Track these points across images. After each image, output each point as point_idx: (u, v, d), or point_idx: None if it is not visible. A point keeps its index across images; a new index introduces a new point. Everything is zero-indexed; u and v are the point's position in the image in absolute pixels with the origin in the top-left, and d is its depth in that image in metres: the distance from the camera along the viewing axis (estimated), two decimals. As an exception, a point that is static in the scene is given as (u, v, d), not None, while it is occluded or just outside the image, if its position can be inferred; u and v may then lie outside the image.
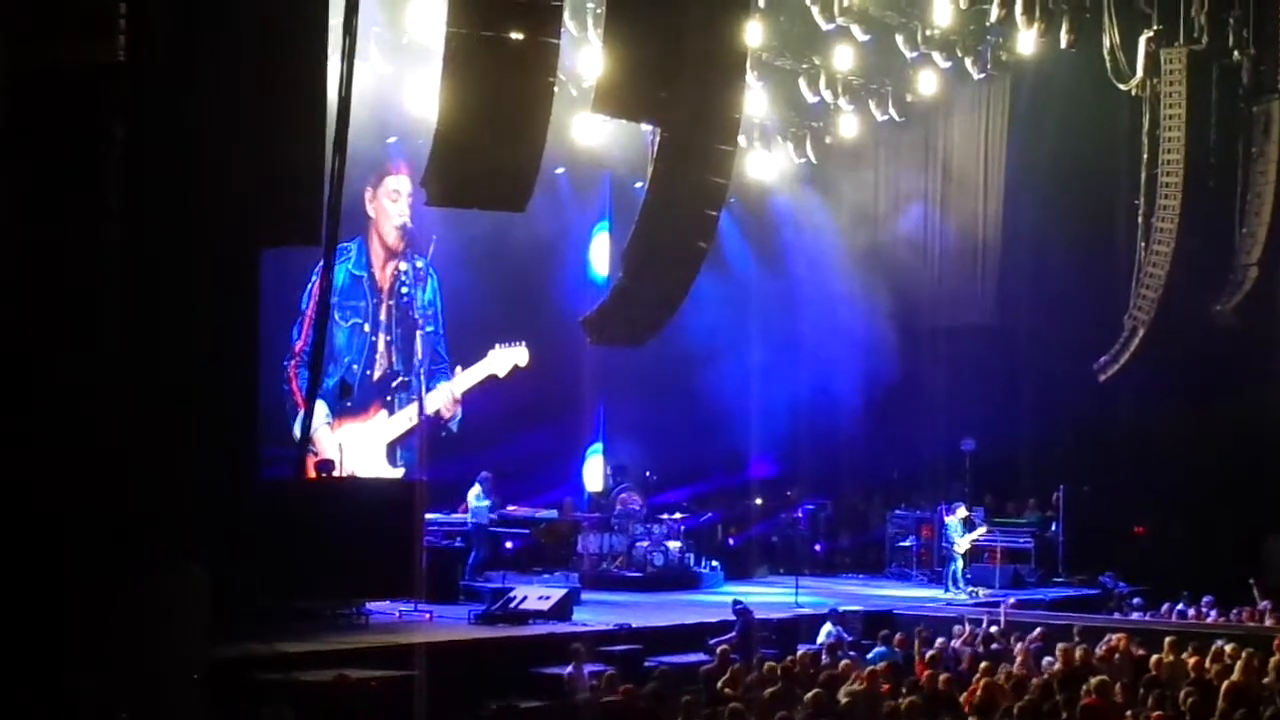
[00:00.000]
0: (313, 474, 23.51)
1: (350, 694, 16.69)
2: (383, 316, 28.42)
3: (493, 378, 29.22)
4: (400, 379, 28.05)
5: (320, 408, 26.46)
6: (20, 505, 13.06)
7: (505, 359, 29.16)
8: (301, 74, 15.36)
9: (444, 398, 29.04)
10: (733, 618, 22.60)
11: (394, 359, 28.34)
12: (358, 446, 27.30)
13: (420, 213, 26.36)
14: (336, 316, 27.45)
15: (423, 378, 27.18)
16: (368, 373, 28.24)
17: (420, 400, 26.63)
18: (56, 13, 13.73)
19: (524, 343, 29.24)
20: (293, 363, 26.51)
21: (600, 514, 30.08)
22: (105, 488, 13.69)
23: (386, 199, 28.11)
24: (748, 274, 34.19)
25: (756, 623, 22.53)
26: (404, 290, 27.92)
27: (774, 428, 33.51)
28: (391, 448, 28.36)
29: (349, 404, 26.99)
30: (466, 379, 29.29)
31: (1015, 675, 17.86)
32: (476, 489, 26.56)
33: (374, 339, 28.37)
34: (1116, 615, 26.65)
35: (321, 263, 17.82)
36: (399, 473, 28.01)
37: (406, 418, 27.81)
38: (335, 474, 23.82)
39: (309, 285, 25.71)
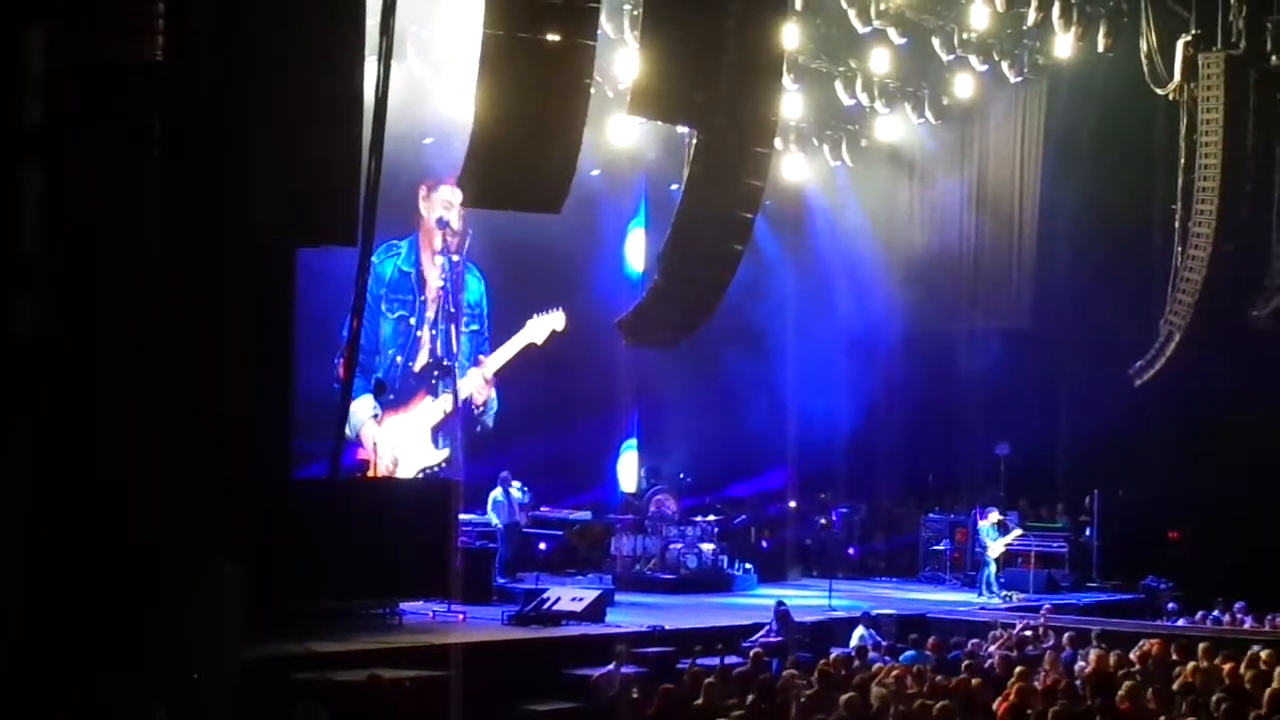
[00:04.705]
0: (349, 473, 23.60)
1: (384, 694, 16.73)
2: (429, 313, 28.54)
3: (531, 346, 29.28)
4: (444, 362, 28.08)
5: (368, 402, 26.55)
6: (54, 505, 13.12)
7: (543, 325, 29.27)
8: (338, 75, 15.41)
9: (476, 380, 29.13)
10: (765, 620, 22.60)
11: (438, 350, 28.38)
12: (404, 435, 27.69)
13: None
14: (384, 308, 27.89)
15: (456, 373, 27.27)
16: (410, 364, 28.40)
17: (455, 394, 26.69)
18: (95, 12, 13.79)
19: (560, 307, 29.30)
20: (344, 359, 26.53)
21: (634, 516, 30.08)
22: (139, 486, 13.76)
23: (433, 199, 28.24)
24: (783, 277, 34.19)
25: (795, 625, 22.55)
26: (441, 285, 28.02)
27: (809, 430, 33.49)
28: (434, 431, 28.46)
29: (390, 398, 27.01)
30: (502, 354, 29.35)
31: (1047, 679, 17.84)
32: (496, 493, 26.69)
33: (419, 333, 28.54)
34: (1158, 621, 26.57)
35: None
36: (443, 454, 28.10)
37: (448, 402, 27.87)
38: (370, 474, 23.87)
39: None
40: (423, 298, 28.52)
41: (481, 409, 29.55)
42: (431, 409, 28.31)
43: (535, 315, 29.47)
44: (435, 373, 28.34)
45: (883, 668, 18.59)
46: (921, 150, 34.55)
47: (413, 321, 28.43)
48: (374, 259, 25.82)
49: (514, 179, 18.81)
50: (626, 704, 17.50)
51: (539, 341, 29.35)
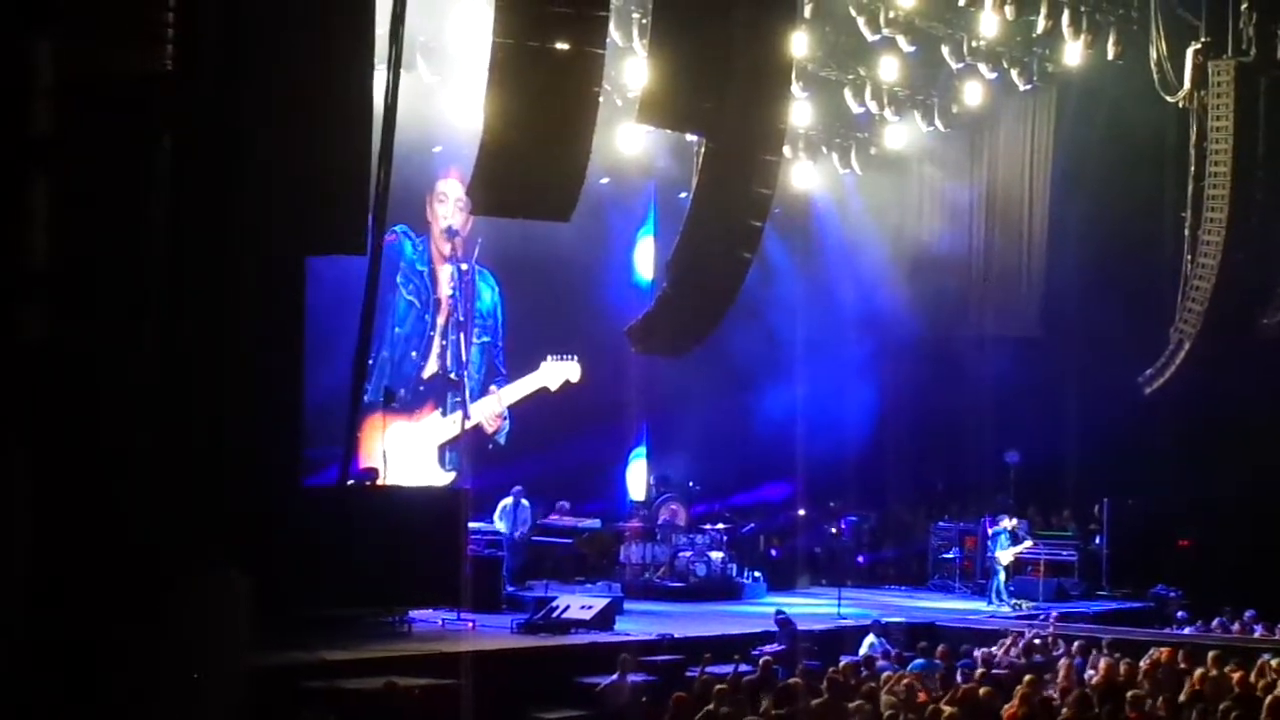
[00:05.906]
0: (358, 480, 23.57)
1: (394, 702, 16.72)
2: (440, 319, 28.55)
3: (543, 390, 29.34)
4: (451, 375, 28.08)
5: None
6: (60, 509, 13.12)
7: (557, 373, 29.30)
8: (347, 84, 15.39)
9: (489, 410, 29.14)
10: (774, 628, 22.60)
11: (448, 361, 28.39)
12: (409, 447, 27.47)
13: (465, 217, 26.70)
14: (399, 280, 27.77)
15: (466, 385, 27.28)
16: (420, 364, 28.37)
17: (465, 409, 26.68)
18: (103, 22, 13.79)
19: (576, 357, 29.35)
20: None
21: (643, 524, 30.06)
22: (146, 493, 13.75)
23: (436, 202, 28.29)
24: (792, 284, 34.18)
25: (799, 633, 22.52)
26: (449, 293, 28.05)
27: (818, 438, 33.43)
28: (442, 449, 28.47)
29: (395, 405, 27.00)
30: (515, 391, 29.43)
31: (1057, 688, 17.83)
32: (506, 502, 26.65)
33: (431, 334, 28.52)
34: (1168, 630, 26.54)
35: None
36: (449, 476, 28.14)
37: (455, 421, 27.85)
38: (379, 482, 23.87)
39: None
40: (435, 296, 28.52)
41: (493, 435, 29.58)
42: (440, 425, 28.31)
43: (550, 358, 29.46)
44: (444, 387, 28.32)
45: (892, 676, 18.59)
46: (930, 158, 34.57)
47: (426, 318, 28.42)
48: (396, 234, 26.00)
49: (523, 187, 18.79)
50: (634, 713, 17.50)
51: (552, 388, 29.38)
